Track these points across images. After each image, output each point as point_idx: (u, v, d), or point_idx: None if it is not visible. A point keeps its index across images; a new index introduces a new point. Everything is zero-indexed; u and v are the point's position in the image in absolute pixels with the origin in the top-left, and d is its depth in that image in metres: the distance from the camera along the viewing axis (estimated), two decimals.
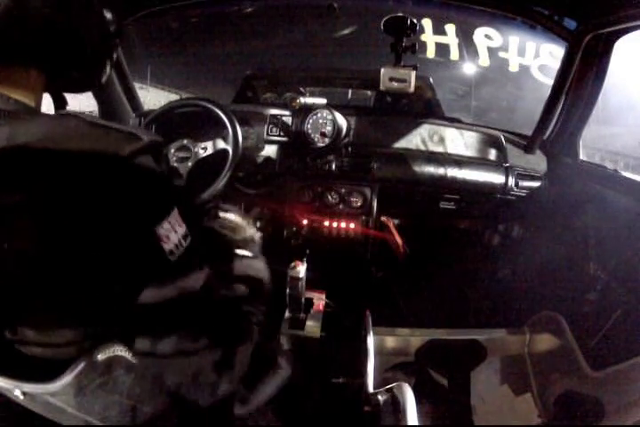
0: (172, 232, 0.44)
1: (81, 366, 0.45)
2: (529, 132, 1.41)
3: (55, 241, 0.39)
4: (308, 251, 0.97)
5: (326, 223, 1.38)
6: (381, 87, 1.10)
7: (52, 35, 0.47)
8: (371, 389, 0.78)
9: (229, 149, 1.12)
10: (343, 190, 1.37)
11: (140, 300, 0.43)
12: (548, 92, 1.30)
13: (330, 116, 1.27)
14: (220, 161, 1.12)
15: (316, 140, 1.29)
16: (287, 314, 0.93)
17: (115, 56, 0.59)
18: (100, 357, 0.46)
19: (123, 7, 1.29)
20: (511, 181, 1.33)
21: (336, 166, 1.33)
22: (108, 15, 0.54)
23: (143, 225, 0.43)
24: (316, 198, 1.37)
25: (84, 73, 0.55)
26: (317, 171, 1.34)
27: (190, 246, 0.47)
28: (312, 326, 0.93)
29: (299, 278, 0.87)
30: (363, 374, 0.81)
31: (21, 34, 0.45)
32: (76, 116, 0.44)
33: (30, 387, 0.40)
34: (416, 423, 0.61)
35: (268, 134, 1.36)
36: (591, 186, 1.20)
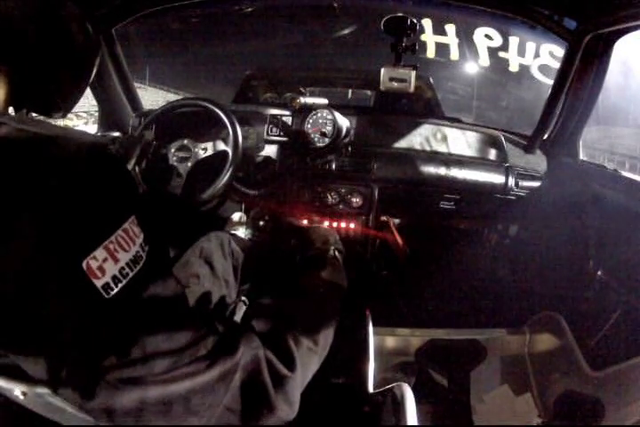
0: (110, 261, 0.36)
1: None
2: (529, 132, 1.42)
3: None
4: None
5: (326, 223, 1.38)
6: (381, 87, 1.10)
7: (24, 35, 0.47)
8: (371, 389, 0.78)
9: (229, 149, 1.12)
10: (343, 190, 1.36)
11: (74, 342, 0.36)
12: (548, 92, 1.30)
13: (330, 116, 1.27)
14: (220, 161, 1.12)
15: (315, 140, 1.29)
16: None
17: (91, 74, 0.58)
18: None
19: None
20: (511, 181, 1.33)
21: (336, 166, 1.33)
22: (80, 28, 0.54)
23: (65, 257, 0.35)
24: (315, 198, 1.37)
25: (52, 84, 0.53)
26: (317, 171, 1.34)
27: (146, 270, 0.39)
28: None
29: None
30: (363, 374, 0.81)
31: None
32: (4, 123, 0.40)
33: (30, 387, 0.40)
34: (416, 423, 0.61)
35: (268, 134, 1.36)
36: (591, 186, 1.20)
